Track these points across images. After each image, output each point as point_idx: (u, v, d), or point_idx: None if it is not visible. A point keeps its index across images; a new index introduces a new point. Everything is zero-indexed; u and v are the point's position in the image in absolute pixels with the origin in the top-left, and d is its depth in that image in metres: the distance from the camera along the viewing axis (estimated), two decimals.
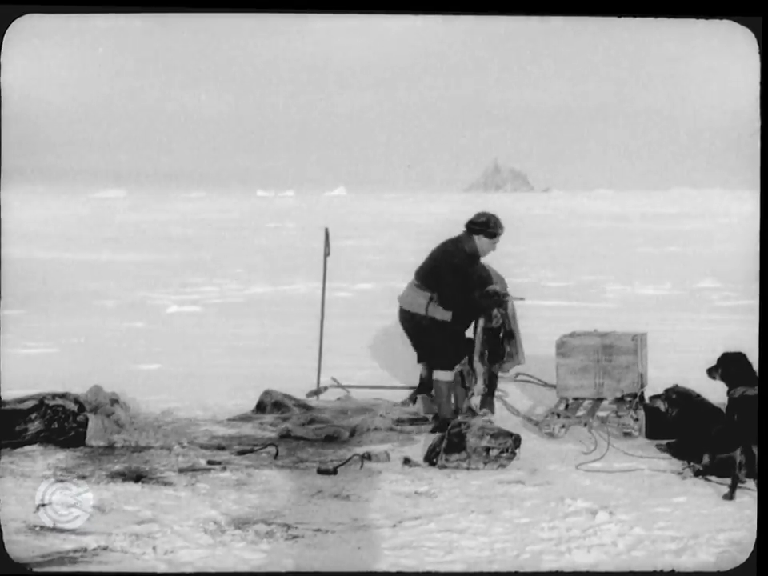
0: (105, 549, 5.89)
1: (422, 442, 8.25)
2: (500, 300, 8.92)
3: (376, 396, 9.73)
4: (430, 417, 9.14)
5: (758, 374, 6.13)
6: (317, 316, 10.42)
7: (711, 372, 8.00)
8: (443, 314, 8.85)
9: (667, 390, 8.28)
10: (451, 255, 8.85)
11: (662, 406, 8.18)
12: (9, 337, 12.62)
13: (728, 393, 7.89)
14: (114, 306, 17.71)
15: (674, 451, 7.81)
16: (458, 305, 8.80)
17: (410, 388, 10.32)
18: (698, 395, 8.16)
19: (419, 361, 9.26)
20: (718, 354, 8.14)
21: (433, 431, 8.59)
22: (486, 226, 8.81)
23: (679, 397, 8.16)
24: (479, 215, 8.90)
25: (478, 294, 8.87)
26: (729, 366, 7.89)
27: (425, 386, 9.46)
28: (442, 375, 8.93)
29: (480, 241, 8.85)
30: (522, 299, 9.10)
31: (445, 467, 7.59)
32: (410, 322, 8.98)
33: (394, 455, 7.88)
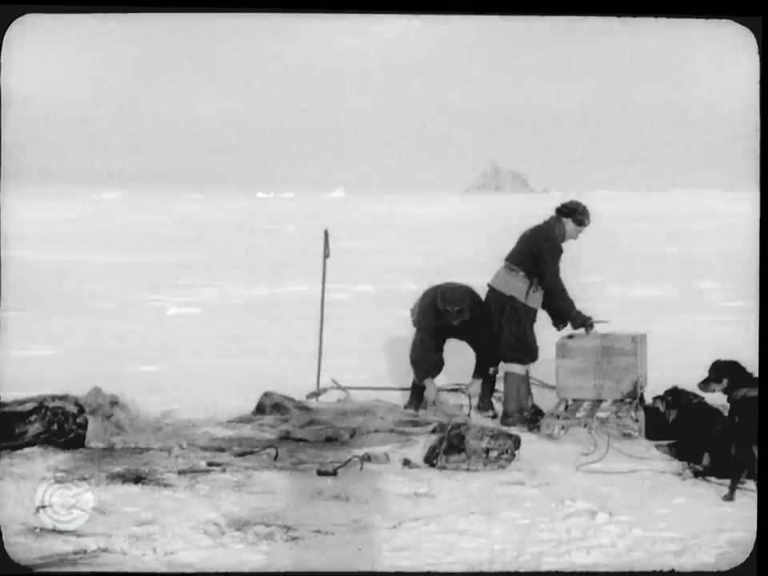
0: (105, 550, 5.90)
1: (421, 443, 8.24)
2: (589, 324, 8.99)
3: (376, 398, 9.73)
4: (486, 409, 9.29)
5: (757, 374, 6.12)
6: (316, 317, 10.41)
7: (707, 384, 8.01)
8: (538, 303, 9.04)
9: (666, 392, 8.28)
10: (548, 237, 9.01)
11: (660, 407, 8.18)
12: (9, 338, 12.61)
13: (729, 395, 7.90)
14: (114, 307, 17.71)
15: (674, 452, 7.81)
16: (560, 284, 8.98)
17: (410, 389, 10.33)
18: (697, 396, 8.16)
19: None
20: (718, 356, 8.15)
21: (504, 424, 8.78)
22: (575, 211, 8.98)
23: (678, 398, 8.16)
24: (570, 201, 9.13)
25: (574, 313, 8.99)
26: (726, 373, 7.93)
27: (418, 392, 9.48)
28: (516, 369, 9.03)
29: (568, 225, 9.01)
30: (606, 322, 9.06)
31: (444, 468, 7.58)
32: (500, 305, 9.01)
33: (393, 456, 7.88)
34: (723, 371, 8.01)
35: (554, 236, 9.02)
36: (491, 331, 9.07)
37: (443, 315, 9.08)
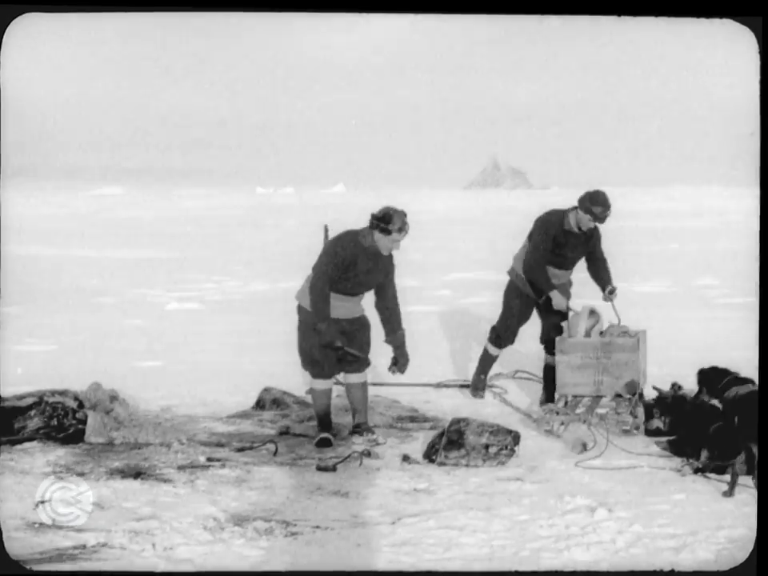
0: (104, 546, 5.90)
1: (421, 439, 8.25)
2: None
3: (376, 393, 9.73)
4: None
5: (757, 373, 6.13)
6: None
7: (700, 394, 8.02)
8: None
9: (659, 398, 8.21)
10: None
11: (660, 425, 8.12)
12: (8, 334, 12.61)
13: (720, 398, 7.91)
14: (114, 302, 17.69)
15: (674, 448, 7.81)
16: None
17: (410, 385, 10.33)
18: (695, 395, 8.16)
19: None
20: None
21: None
22: (381, 220, 8.11)
23: (673, 402, 8.13)
24: (381, 209, 8.25)
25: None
26: (713, 378, 7.94)
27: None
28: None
29: (377, 236, 8.18)
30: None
31: (444, 464, 7.59)
32: (299, 318, 8.55)
33: (393, 452, 7.89)
34: (709, 377, 8.05)
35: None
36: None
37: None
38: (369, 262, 8.17)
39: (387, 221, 8.07)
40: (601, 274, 9.37)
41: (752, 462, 6.89)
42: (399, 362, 8.36)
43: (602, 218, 9.11)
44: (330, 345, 8.13)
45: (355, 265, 8.13)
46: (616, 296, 9.28)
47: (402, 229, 8.12)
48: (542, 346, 9.48)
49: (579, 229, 9.15)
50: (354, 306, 8.28)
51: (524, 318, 9.47)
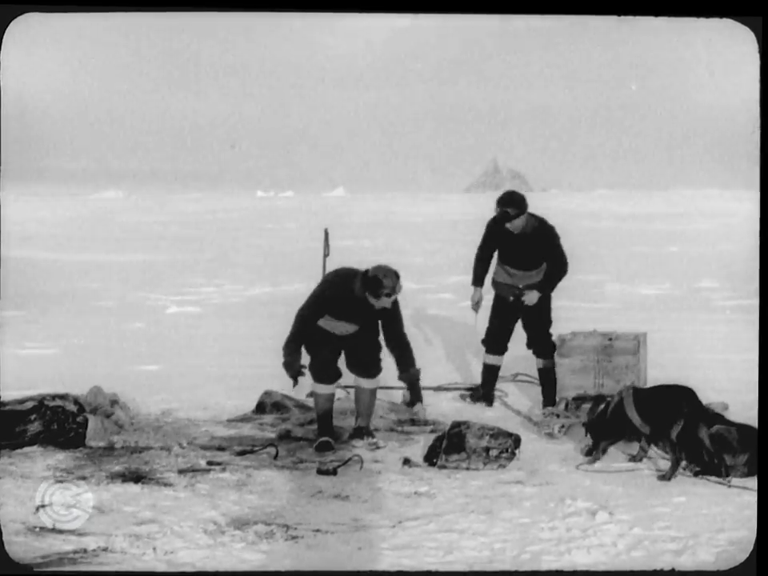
0: (105, 550, 5.89)
1: (421, 442, 8.24)
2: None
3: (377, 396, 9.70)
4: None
5: (757, 374, 6.13)
6: None
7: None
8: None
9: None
10: (331, 280, 8.46)
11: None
12: (8, 337, 12.60)
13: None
14: (114, 306, 17.68)
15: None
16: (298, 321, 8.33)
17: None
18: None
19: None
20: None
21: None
22: (370, 284, 8.00)
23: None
24: (375, 268, 8.07)
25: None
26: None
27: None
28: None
29: (368, 296, 8.07)
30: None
31: (444, 467, 7.58)
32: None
33: (393, 456, 7.88)
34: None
35: (332, 280, 8.35)
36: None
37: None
38: (360, 306, 8.13)
39: (378, 286, 7.96)
40: (548, 274, 9.41)
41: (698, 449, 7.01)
42: (411, 399, 8.37)
43: (501, 219, 9.23)
44: (334, 350, 8.18)
45: (344, 307, 8.14)
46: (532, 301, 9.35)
47: (393, 292, 8.02)
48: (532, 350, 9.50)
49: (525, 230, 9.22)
50: (349, 325, 8.26)
51: (504, 323, 9.45)
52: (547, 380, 9.31)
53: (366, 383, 8.37)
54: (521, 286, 9.37)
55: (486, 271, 9.48)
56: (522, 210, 9.15)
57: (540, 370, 9.42)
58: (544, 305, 9.34)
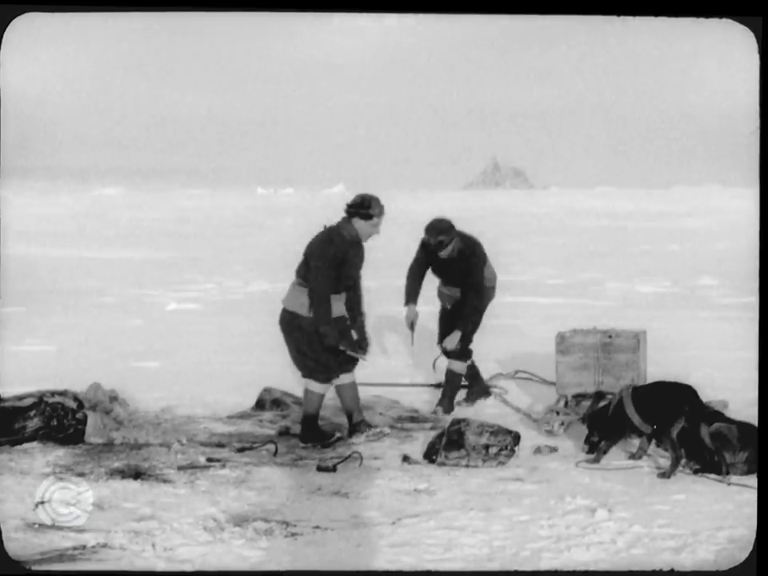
0: (104, 546, 5.90)
1: (421, 439, 8.24)
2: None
3: (375, 393, 9.73)
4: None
5: (757, 373, 6.13)
6: None
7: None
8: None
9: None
10: (323, 244, 8.22)
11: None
12: (8, 334, 12.61)
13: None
14: (114, 303, 17.70)
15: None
16: (323, 298, 8.14)
17: (409, 386, 10.33)
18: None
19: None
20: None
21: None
22: (360, 207, 8.21)
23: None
24: (355, 197, 8.36)
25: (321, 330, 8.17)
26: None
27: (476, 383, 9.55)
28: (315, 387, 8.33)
29: (358, 224, 8.23)
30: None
31: (444, 464, 7.59)
32: (290, 324, 8.28)
33: (393, 453, 7.88)
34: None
35: (325, 241, 8.20)
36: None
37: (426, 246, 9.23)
38: (355, 253, 8.30)
39: (367, 206, 8.21)
40: (466, 308, 9.26)
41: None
42: (362, 345, 8.39)
43: (436, 249, 9.13)
44: (334, 348, 8.13)
45: (347, 260, 8.21)
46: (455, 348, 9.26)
47: (382, 212, 8.30)
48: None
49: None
50: (340, 305, 8.29)
51: (451, 329, 9.41)
52: (453, 384, 9.34)
53: (348, 377, 8.34)
54: (458, 296, 9.40)
55: (417, 291, 9.34)
56: (452, 235, 9.11)
57: (449, 372, 9.37)
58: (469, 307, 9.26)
